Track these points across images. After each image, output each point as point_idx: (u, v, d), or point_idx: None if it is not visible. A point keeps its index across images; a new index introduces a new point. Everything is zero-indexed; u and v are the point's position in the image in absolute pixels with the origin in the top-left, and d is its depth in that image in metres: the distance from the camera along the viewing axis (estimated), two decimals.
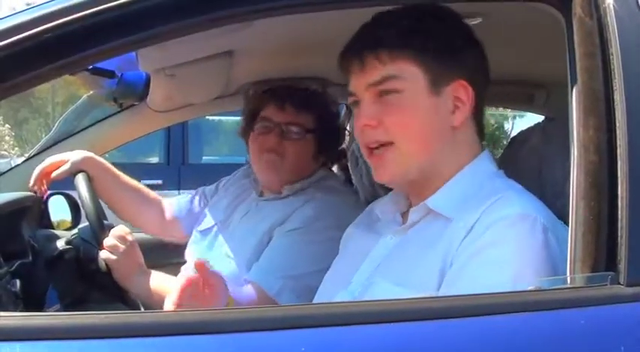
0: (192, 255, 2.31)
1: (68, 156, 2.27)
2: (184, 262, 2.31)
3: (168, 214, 2.49)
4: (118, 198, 2.39)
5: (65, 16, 1.12)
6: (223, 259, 2.15)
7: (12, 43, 1.11)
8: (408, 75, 1.38)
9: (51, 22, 1.12)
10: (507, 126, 15.62)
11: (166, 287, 2.00)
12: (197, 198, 2.50)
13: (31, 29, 1.12)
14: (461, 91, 1.40)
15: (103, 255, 2.03)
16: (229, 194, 2.36)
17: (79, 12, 1.12)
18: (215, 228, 2.29)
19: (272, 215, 2.12)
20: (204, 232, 2.32)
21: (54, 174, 2.25)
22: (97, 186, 2.27)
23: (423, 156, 1.41)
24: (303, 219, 2.06)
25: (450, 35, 1.41)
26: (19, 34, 1.11)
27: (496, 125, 15.11)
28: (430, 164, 1.41)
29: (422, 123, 1.40)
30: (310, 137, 2.15)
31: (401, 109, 1.39)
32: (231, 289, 1.74)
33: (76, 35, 1.13)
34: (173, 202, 2.52)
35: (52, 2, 1.15)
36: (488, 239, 1.27)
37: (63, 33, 1.12)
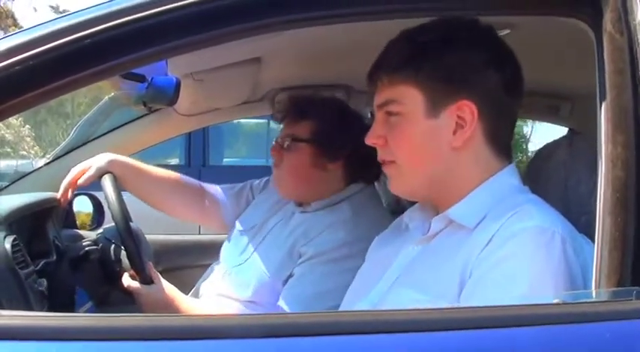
0: (225, 253, 2.30)
1: (91, 162, 2.26)
2: (208, 264, 2.32)
3: (211, 200, 2.47)
4: (150, 192, 2.39)
5: (105, 23, 1.14)
6: (253, 265, 2.15)
7: (51, 49, 1.13)
8: (407, 98, 1.42)
9: (90, 28, 1.14)
10: (526, 129, 15.52)
11: None
12: (245, 190, 2.48)
13: (70, 35, 1.14)
14: (465, 111, 1.40)
15: None
16: (272, 198, 2.33)
17: (117, 19, 1.14)
18: (252, 231, 2.28)
19: (302, 229, 2.11)
20: (242, 233, 2.31)
21: (80, 181, 2.25)
22: (126, 185, 2.28)
23: (423, 175, 1.45)
24: (334, 242, 2.04)
25: (455, 51, 1.41)
26: (58, 40, 1.14)
27: (515, 129, 14.98)
28: (435, 182, 1.44)
29: (419, 145, 1.43)
30: (304, 146, 2.14)
31: (401, 131, 1.44)
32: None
33: (115, 42, 1.15)
34: (219, 189, 2.49)
35: (90, 9, 1.17)
36: (505, 251, 1.28)
37: (101, 39, 1.14)
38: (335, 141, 2.14)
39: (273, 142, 2.22)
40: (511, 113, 1.49)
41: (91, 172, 2.24)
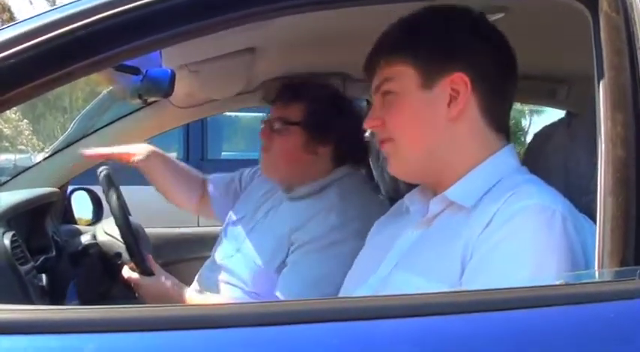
0: (219, 247, 2.31)
1: (135, 151, 2.35)
2: (207, 257, 2.32)
3: (206, 192, 2.54)
4: (163, 178, 2.46)
5: (97, 14, 1.13)
6: (245, 254, 2.15)
7: (43, 41, 1.12)
8: (402, 75, 1.45)
9: (82, 20, 1.13)
10: (525, 122, 15.54)
11: None
12: (234, 181, 2.52)
13: (63, 27, 1.13)
14: (459, 84, 1.42)
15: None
16: (262, 188, 2.35)
17: (110, 10, 1.13)
18: (242, 221, 2.29)
19: (292, 216, 2.12)
20: (234, 224, 2.32)
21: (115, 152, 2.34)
22: (145, 169, 2.37)
23: (420, 149, 1.45)
24: (324, 228, 2.04)
25: (447, 31, 1.45)
26: (51, 32, 1.13)
27: (513, 121, 15.05)
28: (432, 157, 1.45)
29: (415, 118, 1.45)
30: (296, 129, 2.15)
31: (397, 108, 1.46)
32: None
33: (109, 33, 1.14)
34: (211, 181, 2.56)
35: (83, 1, 1.16)
36: (507, 231, 1.27)
37: (95, 30, 1.13)
38: (326, 124, 2.15)
39: (262, 124, 2.22)
40: (505, 91, 1.49)
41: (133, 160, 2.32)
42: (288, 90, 2.21)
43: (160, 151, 2.43)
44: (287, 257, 2.06)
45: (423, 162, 1.46)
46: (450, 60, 1.43)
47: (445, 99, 1.42)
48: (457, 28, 1.45)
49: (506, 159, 1.45)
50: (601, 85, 1.17)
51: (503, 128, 1.48)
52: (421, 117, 1.44)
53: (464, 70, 1.41)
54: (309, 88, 2.22)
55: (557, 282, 1.11)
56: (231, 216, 2.37)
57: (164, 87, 2.13)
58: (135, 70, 2.08)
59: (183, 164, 2.57)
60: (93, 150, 2.36)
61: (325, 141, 2.17)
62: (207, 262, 2.30)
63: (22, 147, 10.56)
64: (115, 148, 2.36)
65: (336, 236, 2.00)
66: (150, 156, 2.36)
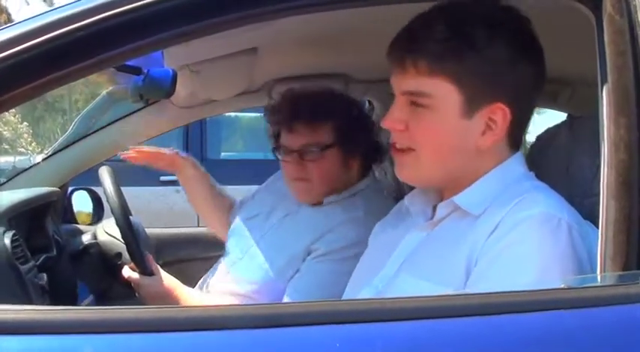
0: (230, 246, 2.27)
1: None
2: (207, 257, 2.31)
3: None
4: (204, 204, 2.53)
5: (96, 15, 1.13)
6: (256, 259, 2.12)
7: (44, 41, 1.12)
8: (442, 93, 1.35)
9: (82, 20, 1.13)
10: None
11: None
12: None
13: (62, 28, 1.12)
14: (498, 114, 1.36)
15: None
16: (274, 191, 2.29)
17: (110, 10, 1.13)
18: (254, 220, 2.25)
19: (312, 228, 2.06)
20: (245, 222, 2.28)
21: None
22: (189, 188, 2.46)
23: (441, 168, 1.41)
24: (345, 241, 2.00)
25: (500, 52, 1.34)
26: (50, 33, 1.12)
27: None
28: (448, 174, 1.42)
29: (445, 141, 1.38)
30: (331, 151, 2.07)
31: (428, 124, 1.38)
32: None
33: (108, 33, 1.14)
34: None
35: (82, 1, 1.16)
36: (512, 238, 1.26)
37: (95, 31, 1.13)
38: (356, 136, 2.08)
39: (282, 158, 2.14)
40: (533, 107, 1.46)
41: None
42: (307, 110, 2.08)
43: (198, 165, 2.49)
44: (302, 265, 2.03)
45: (440, 178, 1.43)
46: (496, 87, 1.35)
47: (480, 129, 1.36)
48: (509, 40, 1.35)
49: (514, 166, 1.42)
50: (604, 88, 1.17)
51: (519, 144, 1.45)
52: (452, 142, 1.38)
53: (507, 100, 1.35)
54: (330, 103, 2.13)
55: (560, 286, 1.10)
56: (241, 215, 2.32)
57: (165, 87, 2.13)
58: (136, 70, 2.08)
59: (219, 186, 2.58)
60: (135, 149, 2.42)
61: (356, 153, 2.11)
62: (217, 264, 2.27)
63: (22, 149, 10.57)
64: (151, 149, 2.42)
65: (354, 251, 1.89)
66: (186, 165, 2.43)
